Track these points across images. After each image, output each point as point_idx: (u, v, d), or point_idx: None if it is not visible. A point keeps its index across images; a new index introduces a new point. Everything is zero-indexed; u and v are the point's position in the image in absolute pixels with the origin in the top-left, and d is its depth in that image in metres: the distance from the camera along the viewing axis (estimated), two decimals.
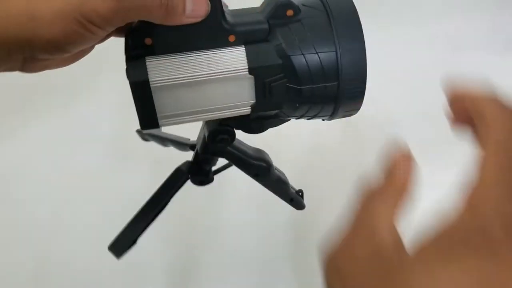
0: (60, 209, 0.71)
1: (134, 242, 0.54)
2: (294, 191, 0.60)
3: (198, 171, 0.51)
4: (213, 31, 0.32)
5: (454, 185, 0.65)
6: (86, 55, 0.35)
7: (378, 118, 0.80)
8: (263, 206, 0.69)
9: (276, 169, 0.57)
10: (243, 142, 0.52)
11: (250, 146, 0.52)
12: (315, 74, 0.34)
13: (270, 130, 0.41)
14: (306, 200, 0.62)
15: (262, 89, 0.34)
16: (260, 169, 0.51)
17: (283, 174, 0.58)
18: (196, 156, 0.50)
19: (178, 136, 0.60)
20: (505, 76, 0.87)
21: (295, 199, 0.60)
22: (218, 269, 0.62)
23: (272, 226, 0.67)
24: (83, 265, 0.64)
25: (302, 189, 0.62)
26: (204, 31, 0.32)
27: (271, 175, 0.53)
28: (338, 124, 0.75)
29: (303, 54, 0.34)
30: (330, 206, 0.65)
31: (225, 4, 0.34)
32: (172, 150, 0.57)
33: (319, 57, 0.34)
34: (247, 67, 0.33)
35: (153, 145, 0.59)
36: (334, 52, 0.34)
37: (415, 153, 0.70)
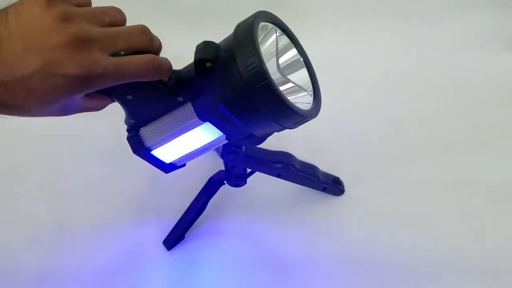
0: (60, 210, 0.70)
1: (181, 237, 0.65)
2: (330, 179, 0.68)
3: (230, 177, 0.62)
4: (167, 100, 0.42)
5: (451, 184, 0.71)
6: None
7: (378, 117, 0.81)
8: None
9: (303, 164, 0.65)
10: (265, 150, 0.62)
11: (272, 152, 0.62)
12: (240, 107, 0.40)
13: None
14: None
15: (221, 126, 0.42)
16: (280, 170, 0.62)
17: (311, 167, 0.66)
18: (225, 166, 0.61)
19: None
20: (505, 76, 0.90)
21: (328, 188, 0.68)
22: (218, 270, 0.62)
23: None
24: (85, 266, 0.63)
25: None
26: (163, 102, 0.42)
27: (292, 174, 0.63)
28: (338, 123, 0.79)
29: (227, 94, 0.40)
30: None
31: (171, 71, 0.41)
32: None
33: (235, 94, 0.39)
34: (197, 116, 0.42)
35: None
36: (244, 90, 0.38)
37: (414, 151, 0.74)
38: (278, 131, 0.46)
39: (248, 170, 0.63)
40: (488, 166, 0.73)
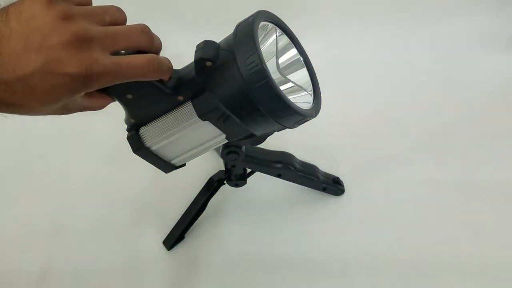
0: (60, 210, 0.70)
1: (181, 237, 0.65)
2: (330, 179, 0.68)
3: (230, 177, 0.62)
4: (168, 99, 0.42)
5: (451, 184, 0.71)
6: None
7: (379, 117, 0.81)
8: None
9: (303, 164, 0.65)
10: (264, 150, 0.62)
11: (272, 152, 0.62)
12: (240, 106, 0.40)
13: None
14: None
15: (221, 125, 0.42)
16: (280, 170, 0.62)
17: (311, 167, 0.66)
18: (226, 166, 0.61)
19: None
20: (506, 75, 0.90)
21: (328, 188, 0.68)
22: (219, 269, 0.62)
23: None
24: (84, 267, 0.62)
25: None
26: (163, 101, 0.42)
27: (292, 174, 0.63)
28: (339, 122, 0.79)
29: (227, 94, 0.40)
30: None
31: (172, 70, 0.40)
32: None
33: (235, 94, 0.39)
34: (197, 116, 0.41)
35: None
36: (244, 89, 0.38)
37: (414, 151, 0.75)
38: (278, 131, 0.45)
39: (248, 170, 0.63)
40: (488, 166, 0.73)
